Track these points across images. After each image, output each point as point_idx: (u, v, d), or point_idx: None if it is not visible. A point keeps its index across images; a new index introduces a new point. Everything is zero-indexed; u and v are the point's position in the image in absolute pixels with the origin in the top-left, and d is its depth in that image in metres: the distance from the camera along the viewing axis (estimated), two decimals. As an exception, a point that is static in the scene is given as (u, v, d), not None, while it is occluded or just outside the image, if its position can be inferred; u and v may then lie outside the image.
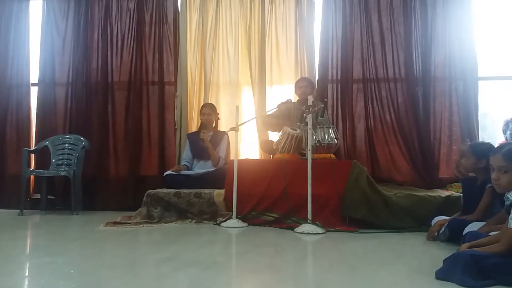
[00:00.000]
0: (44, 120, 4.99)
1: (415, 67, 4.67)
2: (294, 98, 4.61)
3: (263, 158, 4.66)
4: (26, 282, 2.06)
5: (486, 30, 4.81)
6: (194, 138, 4.51)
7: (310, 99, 3.73)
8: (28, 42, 5.14)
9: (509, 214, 2.02)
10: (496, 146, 2.77)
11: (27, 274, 2.24)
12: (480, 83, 4.62)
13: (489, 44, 4.83)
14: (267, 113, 4.54)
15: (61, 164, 4.72)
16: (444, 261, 2.04)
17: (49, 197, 4.84)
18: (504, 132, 4.28)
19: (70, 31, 5.07)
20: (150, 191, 4.01)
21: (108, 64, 5.01)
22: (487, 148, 2.82)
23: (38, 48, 5.11)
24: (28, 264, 2.44)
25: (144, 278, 2.07)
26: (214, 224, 3.70)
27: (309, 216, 3.42)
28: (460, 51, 4.60)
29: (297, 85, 4.50)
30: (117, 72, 5.01)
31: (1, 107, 5.05)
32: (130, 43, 5.01)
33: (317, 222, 3.42)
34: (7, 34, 5.12)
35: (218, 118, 4.63)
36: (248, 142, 4.91)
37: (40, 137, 4.95)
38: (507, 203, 2.17)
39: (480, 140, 4.47)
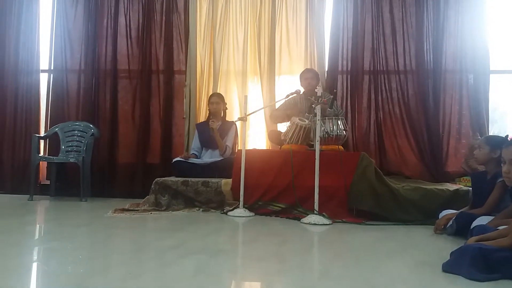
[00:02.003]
0: (54, 107, 5.02)
1: (426, 59, 4.61)
2: (301, 87, 4.57)
3: (271, 148, 4.66)
4: (35, 266, 2.09)
5: (499, 22, 4.73)
6: (202, 128, 4.52)
7: (319, 90, 3.71)
8: (38, 29, 5.14)
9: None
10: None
11: (35, 258, 2.27)
12: (491, 76, 4.56)
13: (502, 37, 4.75)
14: (275, 107, 4.54)
15: (71, 151, 4.75)
16: (451, 254, 2.04)
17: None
18: (515, 127, 4.24)
19: (80, 19, 5.06)
20: (158, 179, 4.03)
21: (118, 52, 5.01)
22: (502, 140, 2.81)
23: (47, 35, 5.12)
24: (37, 249, 2.47)
25: (151, 265, 2.09)
26: (221, 213, 3.72)
27: (316, 207, 3.42)
28: (472, 43, 4.53)
29: (303, 76, 4.47)
30: (127, 60, 5.01)
31: (11, 93, 5.08)
32: (140, 31, 5.00)
33: (323, 213, 3.42)
34: (18, 21, 5.12)
35: (226, 108, 4.63)
36: (256, 132, 4.90)
37: (50, 123, 4.98)
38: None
39: (490, 134, 4.43)
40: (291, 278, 1.95)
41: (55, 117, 4.99)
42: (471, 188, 3.44)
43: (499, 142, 2.79)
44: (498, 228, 2.25)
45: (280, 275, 1.99)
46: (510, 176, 2.14)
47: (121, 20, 5.03)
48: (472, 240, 2.15)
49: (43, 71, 5.14)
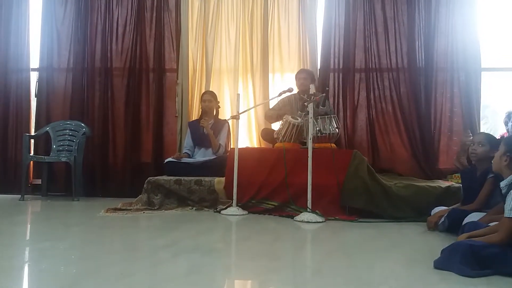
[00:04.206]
0: (44, 106, 4.97)
1: (417, 57, 4.63)
2: (295, 87, 4.58)
3: (263, 146, 4.65)
4: (27, 267, 2.08)
5: (490, 20, 4.76)
6: (194, 126, 4.50)
7: (312, 88, 3.72)
8: (28, 28, 5.08)
9: (505, 203, 2.03)
10: (497, 137, 2.81)
11: (27, 259, 2.25)
12: (483, 74, 4.59)
13: (493, 35, 4.79)
14: (269, 106, 4.54)
15: (62, 150, 4.72)
16: (442, 251, 2.05)
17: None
18: (506, 124, 4.26)
19: (70, 16, 5.01)
20: (151, 178, 4.01)
21: (108, 50, 4.96)
22: (498, 140, 2.89)
23: (38, 33, 5.06)
24: (28, 249, 2.45)
25: (144, 264, 2.09)
26: (214, 212, 3.72)
27: (309, 204, 3.43)
28: (463, 41, 4.55)
29: (297, 76, 4.48)
30: (117, 58, 4.96)
31: (1, 92, 5.02)
32: (131, 29, 4.96)
33: (316, 211, 3.43)
34: (8, 20, 5.06)
35: (219, 106, 4.62)
36: (249, 131, 4.89)
37: (40, 123, 4.94)
38: (503, 191, 2.18)
39: (482, 131, 4.46)
40: (285, 276, 1.96)
41: (45, 116, 4.95)
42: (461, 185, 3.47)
43: (498, 143, 2.83)
44: (489, 224, 2.28)
45: (273, 273, 1.99)
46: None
47: (111, 17, 4.97)
48: (462, 236, 2.17)
49: (34, 69, 5.08)
